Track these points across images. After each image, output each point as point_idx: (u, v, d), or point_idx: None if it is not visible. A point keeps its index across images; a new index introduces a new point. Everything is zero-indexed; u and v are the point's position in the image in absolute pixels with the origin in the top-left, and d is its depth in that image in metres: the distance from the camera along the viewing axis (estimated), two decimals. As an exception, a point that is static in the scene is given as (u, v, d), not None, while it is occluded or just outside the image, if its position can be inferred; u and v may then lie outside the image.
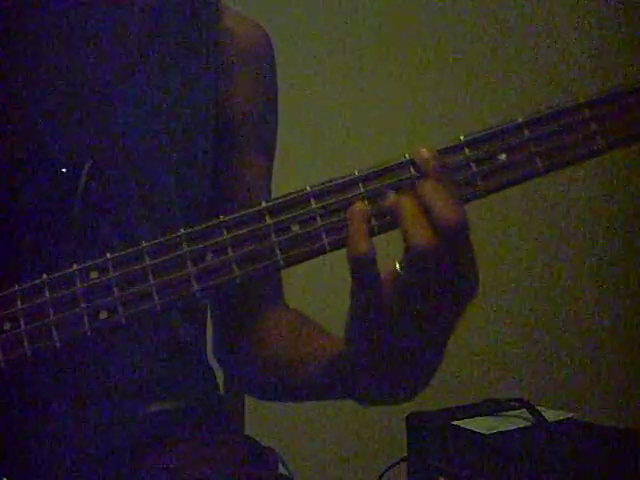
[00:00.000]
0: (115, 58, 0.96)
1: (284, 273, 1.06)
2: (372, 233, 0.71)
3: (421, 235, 0.67)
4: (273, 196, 0.75)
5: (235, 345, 1.03)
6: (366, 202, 0.71)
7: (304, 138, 2.10)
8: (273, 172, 1.09)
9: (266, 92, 1.06)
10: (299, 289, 1.27)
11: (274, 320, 1.01)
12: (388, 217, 0.71)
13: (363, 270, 0.69)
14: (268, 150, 1.07)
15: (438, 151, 0.71)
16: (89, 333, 0.75)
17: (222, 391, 1.11)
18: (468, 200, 0.71)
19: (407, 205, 0.68)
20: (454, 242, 0.68)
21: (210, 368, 1.07)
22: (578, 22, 2.42)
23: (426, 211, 0.67)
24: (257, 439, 1.08)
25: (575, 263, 2.44)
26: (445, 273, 0.68)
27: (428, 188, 0.68)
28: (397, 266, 0.70)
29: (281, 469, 1.04)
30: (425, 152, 0.71)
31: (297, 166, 1.92)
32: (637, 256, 2.48)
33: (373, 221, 0.71)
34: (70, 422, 0.90)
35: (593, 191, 2.45)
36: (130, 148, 0.94)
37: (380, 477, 1.89)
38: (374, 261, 0.69)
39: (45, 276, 0.77)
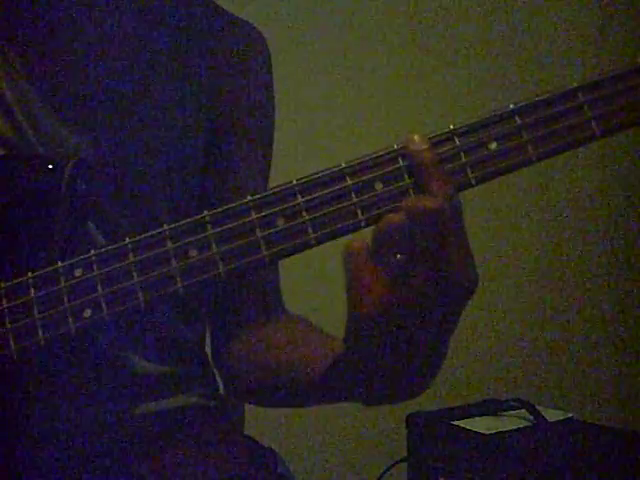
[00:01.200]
0: (106, 56, 0.96)
1: (282, 277, 1.06)
2: (360, 227, 0.70)
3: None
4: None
5: (233, 349, 1.02)
6: (353, 195, 0.70)
7: (301, 135, 2.09)
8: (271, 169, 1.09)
9: (262, 93, 1.06)
10: (297, 292, 1.27)
11: (273, 324, 1.00)
12: (375, 211, 0.70)
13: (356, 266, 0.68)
14: (264, 150, 1.06)
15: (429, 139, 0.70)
16: (73, 331, 0.75)
17: (222, 391, 1.11)
18: (459, 190, 0.70)
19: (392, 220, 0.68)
20: (446, 229, 0.67)
21: (210, 368, 1.06)
22: (574, 13, 2.43)
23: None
24: (257, 439, 1.08)
25: (575, 263, 2.44)
26: (442, 266, 0.67)
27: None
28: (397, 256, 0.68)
29: (281, 469, 1.03)
30: (418, 142, 0.69)
31: (293, 163, 1.92)
32: (637, 256, 2.48)
33: (360, 215, 0.70)
34: (67, 421, 0.90)
35: (593, 193, 2.45)
36: (118, 146, 0.94)
37: (380, 477, 1.89)
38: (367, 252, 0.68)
39: (30, 274, 0.77)
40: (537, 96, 0.70)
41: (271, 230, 0.71)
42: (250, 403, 1.05)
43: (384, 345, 0.70)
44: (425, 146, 0.69)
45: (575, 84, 0.69)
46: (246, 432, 1.15)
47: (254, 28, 1.08)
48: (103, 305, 0.74)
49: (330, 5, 2.17)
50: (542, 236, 2.40)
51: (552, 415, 1.73)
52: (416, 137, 0.70)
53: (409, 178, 0.70)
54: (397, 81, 2.25)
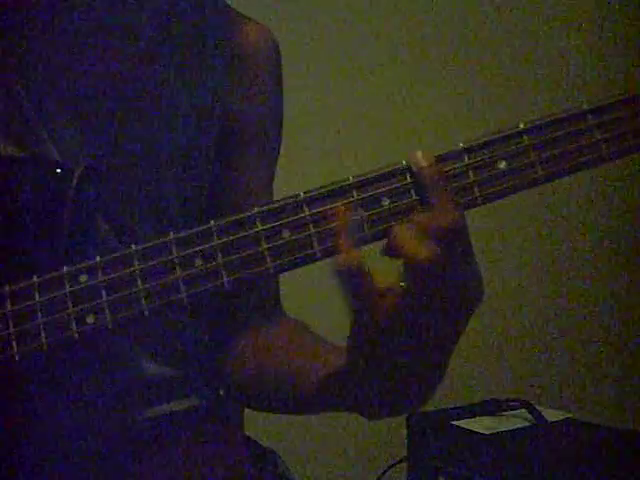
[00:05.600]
0: (117, 60, 0.95)
1: (282, 282, 1.06)
2: (366, 241, 0.70)
3: (419, 251, 0.67)
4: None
5: (232, 353, 1.01)
6: (359, 210, 0.70)
7: (305, 141, 2.09)
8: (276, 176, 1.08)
9: (271, 98, 1.05)
10: (298, 298, 1.27)
11: (273, 330, 0.99)
12: (381, 226, 0.70)
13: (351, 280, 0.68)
14: (270, 156, 1.06)
15: (436, 157, 0.70)
16: (76, 336, 0.75)
17: (221, 393, 1.10)
18: (466, 208, 0.70)
19: (401, 232, 0.68)
20: (452, 245, 0.67)
21: (210, 370, 1.06)
22: (582, 25, 2.43)
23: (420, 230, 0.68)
24: (257, 439, 1.08)
25: (575, 263, 2.44)
26: (448, 281, 0.67)
27: (424, 217, 0.68)
28: (401, 284, 0.68)
29: (281, 470, 1.04)
30: (421, 158, 0.70)
31: (298, 170, 1.92)
32: (637, 257, 2.48)
33: (366, 229, 0.70)
34: (69, 423, 0.90)
35: (593, 193, 2.45)
36: (128, 150, 0.94)
37: (380, 477, 1.89)
38: (361, 269, 0.68)
39: (35, 278, 0.77)
40: (547, 116, 0.70)
41: (277, 242, 0.71)
42: (250, 407, 1.04)
43: (388, 354, 0.70)
44: (429, 163, 0.69)
45: (585, 105, 0.69)
46: (246, 432, 1.15)
47: (269, 33, 1.06)
48: (106, 311, 0.74)
49: (334, 9, 2.17)
50: (541, 236, 2.40)
51: (552, 415, 1.73)
52: (420, 154, 0.70)
53: (416, 194, 0.70)
54: (407, 97, 2.24)
